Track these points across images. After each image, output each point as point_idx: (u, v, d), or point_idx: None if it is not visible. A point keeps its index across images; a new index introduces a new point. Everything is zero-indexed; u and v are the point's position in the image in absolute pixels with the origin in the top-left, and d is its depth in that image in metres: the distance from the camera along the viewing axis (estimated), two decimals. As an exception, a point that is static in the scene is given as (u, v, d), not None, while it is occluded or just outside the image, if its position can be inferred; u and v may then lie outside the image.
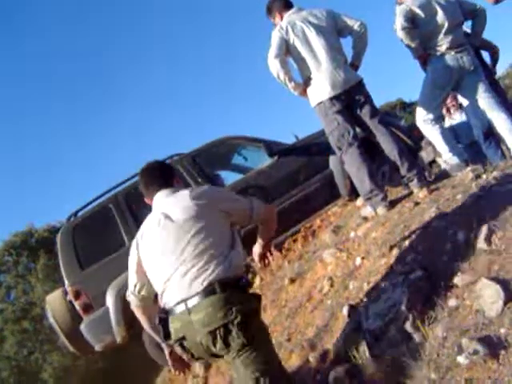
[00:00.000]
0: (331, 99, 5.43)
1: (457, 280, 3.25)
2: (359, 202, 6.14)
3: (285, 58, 5.57)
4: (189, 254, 3.26)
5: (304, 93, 5.65)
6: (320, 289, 4.68)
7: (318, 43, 5.50)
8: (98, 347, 6.84)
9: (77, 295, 6.69)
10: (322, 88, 5.47)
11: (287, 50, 5.58)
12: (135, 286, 3.66)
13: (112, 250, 6.85)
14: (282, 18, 5.79)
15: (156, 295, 3.52)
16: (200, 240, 3.29)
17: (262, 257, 4.36)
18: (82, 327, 6.71)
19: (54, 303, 7.25)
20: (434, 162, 7.06)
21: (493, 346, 2.67)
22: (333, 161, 7.07)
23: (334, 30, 5.62)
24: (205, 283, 3.15)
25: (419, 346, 3.06)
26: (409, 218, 4.48)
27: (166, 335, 3.35)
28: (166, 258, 3.35)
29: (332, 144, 5.63)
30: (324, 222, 6.51)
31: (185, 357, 3.42)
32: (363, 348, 3.36)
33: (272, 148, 7.27)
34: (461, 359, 2.72)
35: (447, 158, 5.71)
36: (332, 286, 4.55)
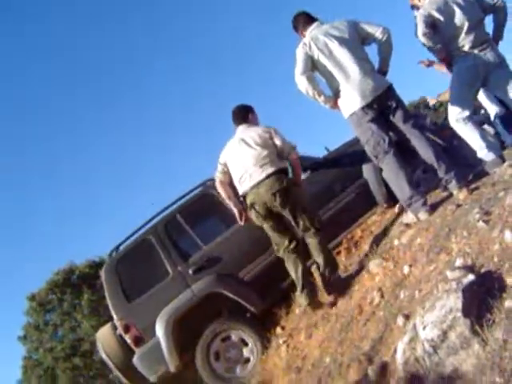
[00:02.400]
0: (363, 108, 5.46)
1: (510, 280, 3.21)
2: (397, 208, 6.11)
3: (311, 74, 5.63)
4: (257, 159, 5.87)
5: (335, 105, 5.71)
6: (370, 300, 4.65)
7: (342, 55, 5.53)
8: (152, 378, 6.91)
9: (126, 329, 6.77)
10: (352, 99, 5.50)
11: (313, 65, 5.63)
12: (221, 171, 6.23)
13: (156, 281, 6.93)
14: (304, 34, 5.83)
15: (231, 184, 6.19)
16: (264, 152, 5.91)
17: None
18: (135, 360, 6.78)
19: (105, 338, 7.34)
20: None
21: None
22: (366, 169, 7.06)
23: (357, 40, 5.65)
24: (267, 172, 5.79)
25: (480, 351, 3.02)
26: (452, 221, 4.44)
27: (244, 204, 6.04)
28: (243, 163, 5.96)
29: (368, 153, 5.66)
30: (365, 231, 6.48)
31: (253, 216, 5.97)
32: (423, 358, 3.33)
33: (303, 163, 7.27)
34: (526, 361, 2.68)
35: (483, 155, 5.66)
36: (382, 296, 4.52)
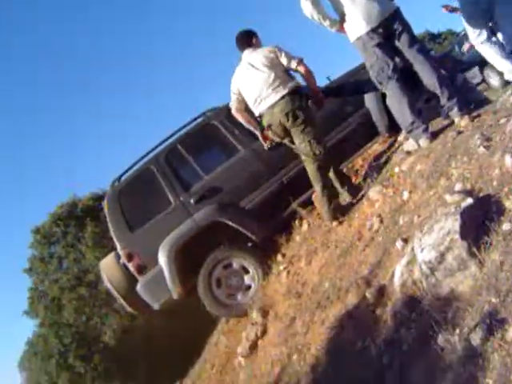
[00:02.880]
0: (368, 33, 5.34)
1: (509, 204, 3.22)
2: (401, 136, 6.08)
3: None
4: (268, 82, 5.99)
5: (342, 29, 5.60)
6: (370, 227, 4.69)
7: None
8: (155, 306, 7.04)
9: (129, 257, 6.86)
10: (358, 23, 5.38)
11: None
12: (236, 100, 6.43)
13: (159, 210, 6.98)
14: None
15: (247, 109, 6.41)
16: (273, 73, 6.01)
17: (318, 103, 6.46)
18: (138, 288, 6.90)
19: (108, 268, 7.45)
20: (481, 83, 6.94)
21: (552, 264, 2.66)
22: (369, 98, 6.99)
23: None
24: (281, 93, 5.93)
25: (477, 273, 3.06)
26: (453, 148, 4.42)
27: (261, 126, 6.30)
28: (255, 86, 6.09)
29: (372, 78, 5.60)
30: (366, 160, 6.48)
31: (270, 134, 6.28)
32: (420, 280, 3.38)
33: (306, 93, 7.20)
34: (521, 280, 2.71)
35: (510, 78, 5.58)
36: (382, 222, 4.56)
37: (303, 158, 6.06)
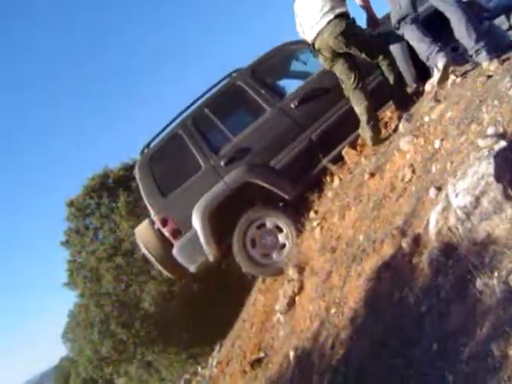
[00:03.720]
0: None
1: (543, 144, 3.17)
2: (428, 86, 5.99)
3: None
4: (318, 8, 6.16)
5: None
6: (402, 177, 4.65)
7: None
8: (192, 269, 7.13)
9: (164, 222, 6.94)
10: None
11: None
12: (298, 24, 6.55)
13: (189, 175, 7.01)
14: None
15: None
16: (323, 1, 6.16)
17: (373, 25, 6.68)
18: (174, 252, 6.99)
19: (144, 234, 7.54)
20: (509, 29, 6.77)
21: None
22: (395, 49, 6.86)
23: None
24: (329, 18, 6.11)
25: (513, 215, 3.03)
26: (483, 93, 4.34)
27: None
28: (308, 14, 6.30)
29: (393, 23, 5.86)
30: (394, 112, 6.40)
31: (322, 60, 6.48)
32: (455, 226, 3.35)
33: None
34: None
35: None
36: (414, 172, 4.51)
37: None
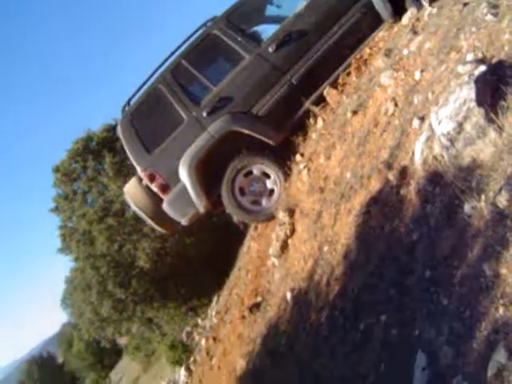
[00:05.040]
0: None
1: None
2: (405, 19, 5.96)
3: None
4: None
5: None
6: (385, 112, 4.66)
7: None
8: (184, 221, 7.16)
9: (151, 178, 6.92)
10: None
11: None
12: None
13: (173, 128, 6.96)
14: None
15: None
16: None
17: None
18: (165, 206, 7.00)
19: (132, 192, 7.53)
20: None
21: None
22: None
23: None
24: None
25: (496, 138, 3.05)
26: (460, 20, 4.33)
27: None
28: None
29: None
30: (373, 49, 6.35)
31: None
32: (440, 154, 3.39)
33: (303, -10, 7.03)
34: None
35: None
36: (396, 105, 4.53)
37: None
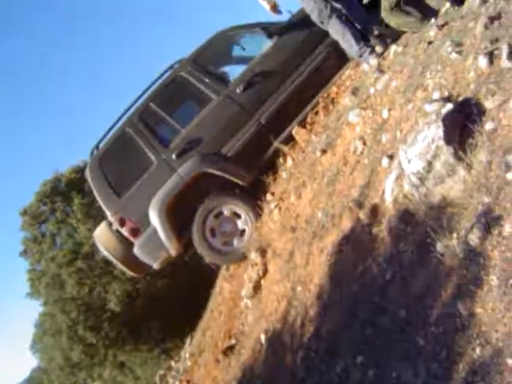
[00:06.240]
0: None
1: (488, 103, 3.21)
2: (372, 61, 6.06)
3: None
4: None
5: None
6: (354, 150, 4.69)
7: None
8: (155, 265, 7.10)
9: (122, 223, 6.88)
10: None
11: None
12: None
13: (142, 172, 6.94)
14: None
15: None
16: None
17: None
18: (136, 250, 6.93)
19: (103, 237, 7.46)
20: None
21: (540, 152, 2.67)
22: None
23: None
24: None
25: (466, 176, 3.07)
26: (425, 59, 4.39)
27: None
28: None
29: (314, 20, 6.09)
30: (340, 87, 6.42)
31: None
32: (410, 192, 3.40)
33: (270, 29, 7.11)
34: (510, 176, 2.72)
35: None
36: (365, 144, 4.55)
37: None
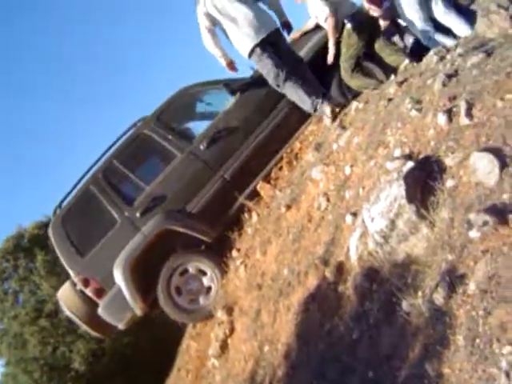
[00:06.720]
0: (259, 44, 6.28)
1: (448, 161, 3.26)
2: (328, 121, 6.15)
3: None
4: None
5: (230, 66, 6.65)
6: (318, 207, 4.70)
7: (232, 6, 6.41)
8: (120, 326, 6.95)
9: (86, 283, 6.77)
10: (249, 37, 6.31)
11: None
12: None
13: (106, 230, 6.85)
14: None
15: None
16: None
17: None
18: (100, 311, 6.80)
19: (67, 297, 7.32)
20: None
21: (500, 213, 2.69)
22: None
23: None
24: None
25: (429, 234, 3.09)
26: (386, 116, 4.46)
27: None
28: None
29: (270, 83, 6.46)
30: (304, 143, 6.48)
31: None
32: (375, 250, 3.40)
33: (232, 86, 7.18)
34: (473, 234, 2.74)
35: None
36: (328, 200, 4.57)
37: None
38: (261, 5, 6.68)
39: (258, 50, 6.31)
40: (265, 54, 6.30)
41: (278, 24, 6.67)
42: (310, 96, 6.17)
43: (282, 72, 6.27)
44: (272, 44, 6.38)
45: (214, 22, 6.50)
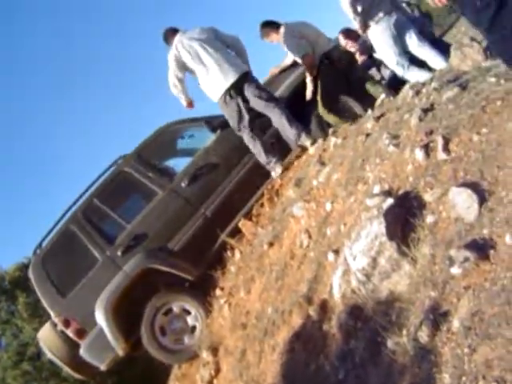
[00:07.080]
0: (228, 90, 6.56)
1: (427, 196, 3.27)
2: (312, 149, 6.15)
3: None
4: None
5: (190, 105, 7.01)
6: (300, 244, 4.69)
7: (204, 51, 6.62)
8: (103, 367, 6.82)
9: (66, 324, 6.66)
10: (218, 83, 6.59)
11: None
12: None
13: (87, 270, 6.78)
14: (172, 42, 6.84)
15: None
16: None
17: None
18: (82, 352, 6.67)
19: (47, 338, 7.20)
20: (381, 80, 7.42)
21: (480, 248, 2.69)
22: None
23: (213, 39, 6.79)
24: None
25: (411, 270, 3.08)
26: (364, 151, 4.47)
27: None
28: None
29: (232, 126, 6.75)
30: (284, 178, 6.49)
31: None
32: (358, 288, 3.38)
33: (213, 123, 7.21)
34: (454, 270, 2.73)
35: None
36: (310, 237, 4.56)
37: None
38: (229, 51, 6.89)
39: (225, 96, 6.60)
40: (232, 100, 6.61)
41: (247, 68, 6.85)
42: (265, 152, 6.59)
43: (244, 119, 6.63)
44: (240, 89, 6.63)
45: (184, 67, 6.74)
